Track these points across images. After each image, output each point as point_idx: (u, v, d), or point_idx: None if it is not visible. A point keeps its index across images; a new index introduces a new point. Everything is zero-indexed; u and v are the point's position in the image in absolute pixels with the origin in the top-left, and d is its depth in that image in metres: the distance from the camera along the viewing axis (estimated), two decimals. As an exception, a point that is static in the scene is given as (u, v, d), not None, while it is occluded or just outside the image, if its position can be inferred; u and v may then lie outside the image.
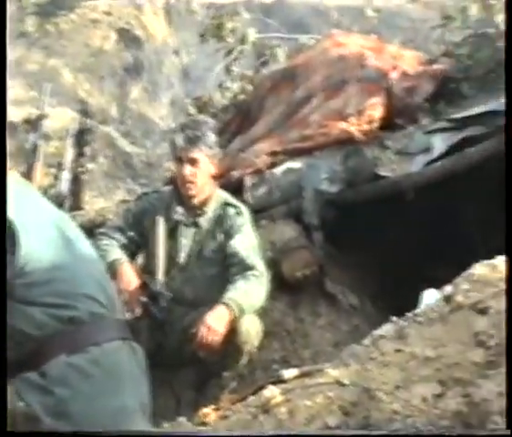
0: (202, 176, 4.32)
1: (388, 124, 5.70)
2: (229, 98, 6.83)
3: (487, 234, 5.00)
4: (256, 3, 9.51)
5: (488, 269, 3.64)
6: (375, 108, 5.65)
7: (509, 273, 2.58)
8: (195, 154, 4.28)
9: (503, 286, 3.50)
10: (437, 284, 3.88)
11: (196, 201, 4.38)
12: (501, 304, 3.39)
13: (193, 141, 4.28)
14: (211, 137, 4.34)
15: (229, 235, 4.31)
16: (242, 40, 7.06)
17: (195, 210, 4.39)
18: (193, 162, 4.29)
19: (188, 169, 4.29)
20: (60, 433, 2.46)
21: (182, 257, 4.34)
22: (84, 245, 2.76)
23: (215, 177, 4.45)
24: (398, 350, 3.31)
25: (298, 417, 2.97)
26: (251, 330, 4.14)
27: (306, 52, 6.66)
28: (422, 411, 2.84)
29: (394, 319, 3.55)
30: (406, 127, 5.67)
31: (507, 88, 2.90)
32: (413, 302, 3.88)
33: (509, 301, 2.44)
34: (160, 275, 4.25)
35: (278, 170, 5.54)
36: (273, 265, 4.93)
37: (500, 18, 5.63)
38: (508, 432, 2.25)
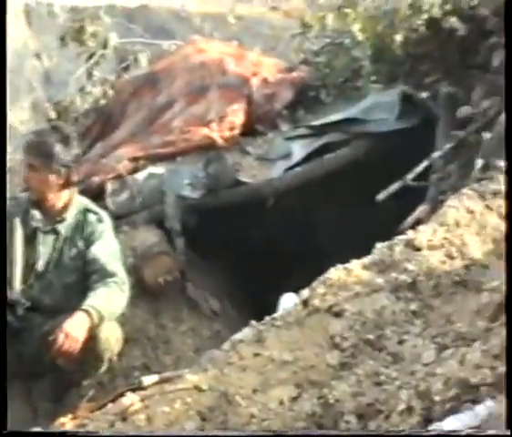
0: (45, 182, 4.23)
1: (249, 130, 5.76)
2: (90, 103, 6.71)
3: (344, 238, 5.12)
4: (119, 7, 9.37)
5: (344, 273, 3.73)
6: (236, 114, 5.69)
7: (509, 274, 2.70)
8: (36, 161, 4.19)
9: (358, 289, 3.60)
10: (295, 288, 3.95)
11: (52, 207, 4.27)
12: (355, 306, 3.49)
13: (35, 149, 4.20)
14: (55, 146, 4.22)
15: (89, 241, 4.22)
16: (104, 44, 6.95)
17: (54, 217, 4.28)
18: (35, 169, 4.20)
19: (31, 175, 4.21)
20: (60, 433, 2.53)
21: (41, 264, 4.23)
22: None
23: (71, 184, 4.32)
24: (257, 355, 3.34)
25: (156, 423, 2.95)
26: (111, 337, 4.08)
27: (168, 58, 6.63)
28: (278, 414, 2.88)
29: (254, 323, 3.59)
30: (267, 134, 5.75)
31: (507, 88, 3.01)
32: (273, 306, 3.92)
33: (509, 301, 2.48)
34: (17, 283, 4.13)
35: (140, 176, 5.50)
36: (135, 271, 4.90)
37: (356, 28, 5.78)
38: (508, 433, 2.26)
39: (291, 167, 5.42)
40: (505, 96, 2.84)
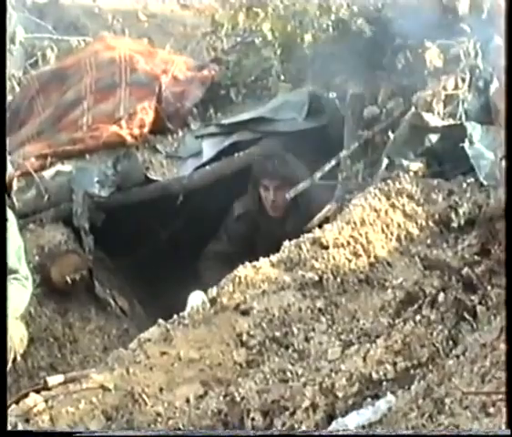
0: None
1: (159, 128, 5.69)
2: (-4, 98, 6.55)
3: (253, 235, 5.14)
4: (29, 2, 9.16)
5: (252, 271, 3.74)
6: (146, 112, 5.63)
7: (509, 274, 2.70)
8: None
9: (265, 287, 3.62)
10: (204, 286, 3.95)
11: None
12: (263, 304, 3.51)
13: None
14: None
15: (-8, 239, 4.13)
16: (11, 39, 6.79)
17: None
18: None
19: None
20: (60, 433, 2.56)
21: None
22: None
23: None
24: (164, 353, 3.33)
25: (60, 424, 2.90)
26: (15, 336, 4.00)
27: (77, 54, 6.52)
28: (184, 413, 2.87)
29: (161, 321, 3.57)
30: (177, 132, 5.70)
31: (508, 88, 3.01)
32: (182, 305, 3.91)
33: (509, 302, 2.55)
34: None
35: (47, 173, 5.38)
36: (42, 270, 4.81)
37: (266, 27, 5.79)
38: (508, 432, 2.27)
39: (202, 166, 5.40)
40: (505, 96, 2.92)
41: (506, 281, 2.86)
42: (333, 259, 3.73)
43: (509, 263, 2.69)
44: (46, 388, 3.26)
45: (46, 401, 3.09)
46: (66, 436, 2.55)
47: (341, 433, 2.63)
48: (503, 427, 2.28)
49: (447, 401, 2.52)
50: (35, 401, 3.10)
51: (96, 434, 2.56)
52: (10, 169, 5.26)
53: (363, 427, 2.53)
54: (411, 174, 4.28)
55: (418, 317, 3.12)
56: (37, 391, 3.23)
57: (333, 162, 4.78)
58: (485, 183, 4.11)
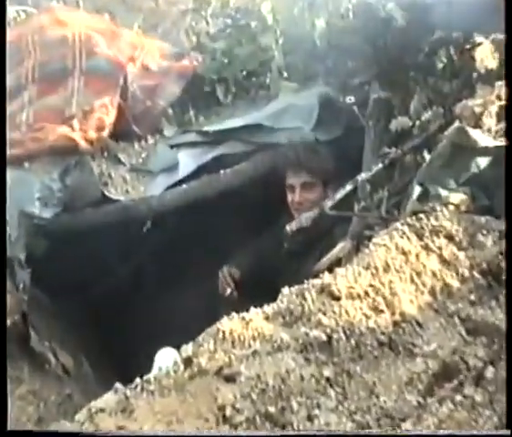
0: None
1: (123, 132, 5.73)
2: None
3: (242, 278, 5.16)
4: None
5: (240, 325, 3.74)
6: (106, 111, 5.65)
7: (509, 276, 2.97)
8: None
9: (257, 346, 3.62)
10: (176, 342, 3.94)
11: None
12: (253, 369, 3.51)
13: None
14: None
15: None
16: None
17: None
18: None
19: None
20: (60, 433, 2.86)
21: None
22: None
23: None
24: (121, 428, 3.32)
25: None
26: None
27: (16, 28, 6.54)
28: None
29: (119, 386, 3.56)
30: (146, 138, 5.73)
31: (508, 88, 3.32)
32: (145, 365, 3.91)
33: (509, 302, 2.54)
34: None
35: (-28, 184, 5.40)
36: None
37: (266, 8, 5.82)
38: (508, 432, 2.60)
39: (177, 184, 5.42)
40: (505, 96, 2.95)
41: (505, 281, 3.22)
42: (347, 313, 3.72)
43: (510, 265, 2.97)
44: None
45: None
46: (67, 436, 2.81)
47: (341, 433, 2.86)
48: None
49: None
50: None
51: (96, 434, 2.83)
52: None
53: None
54: (451, 208, 4.30)
55: (458, 397, 3.12)
56: None
57: (349, 188, 4.79)
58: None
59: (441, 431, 2.73)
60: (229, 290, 5.17)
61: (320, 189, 5.13)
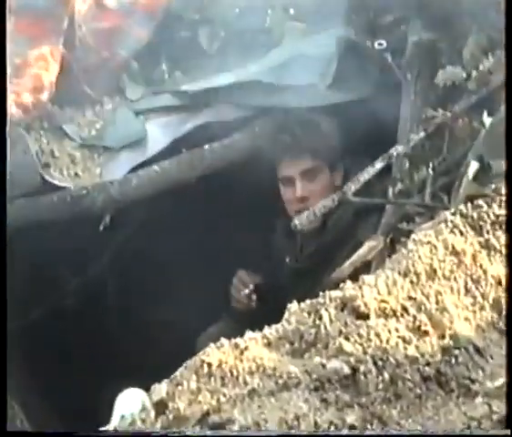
0: None
1: (69, 94, 5.76)
2: None
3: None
4: None
5: (232, 354, 3.70)
6: (46, 64, 5.66)
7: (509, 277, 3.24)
8: None
9: (255, 383, 3.58)
10: (143, 381, 3.90)
11: None
12: (249, 415, 3.47)
13: None
14: None
15: None
16: None
17: None
18: None
19: None
20: (60, 433, 3.31)
21: None
22: None
23: None
24: None
25: None
26: None
27: None
28: None
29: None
30: (102, 102, 5.75)
31: (508, 88, 3.49)
32: (103, 413, 3.87)
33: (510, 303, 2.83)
34: None
35: None
36: None
37: None
38: (508, 432, 2.96)
39: (145, 164, 5.41)
40: (505, 96, 2.98)
41: (506, 282, 3.46)
42: (377, 337, 3.69)
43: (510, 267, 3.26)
44: None
45: None
46: (66, 436, 3.30)
47: (340, 433, 3.07)
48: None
49: None
50: None
51: (96, 434, 3.13)
52: None
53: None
54: (521, 190, 4.28)
55: (531, 451, 3.10)
56: None
57: (379, 165, 4.75)
58: None
59: (440, 431, 3.03)
60: (246, 291, 5.21)
61: (326, 176, 5.12)
